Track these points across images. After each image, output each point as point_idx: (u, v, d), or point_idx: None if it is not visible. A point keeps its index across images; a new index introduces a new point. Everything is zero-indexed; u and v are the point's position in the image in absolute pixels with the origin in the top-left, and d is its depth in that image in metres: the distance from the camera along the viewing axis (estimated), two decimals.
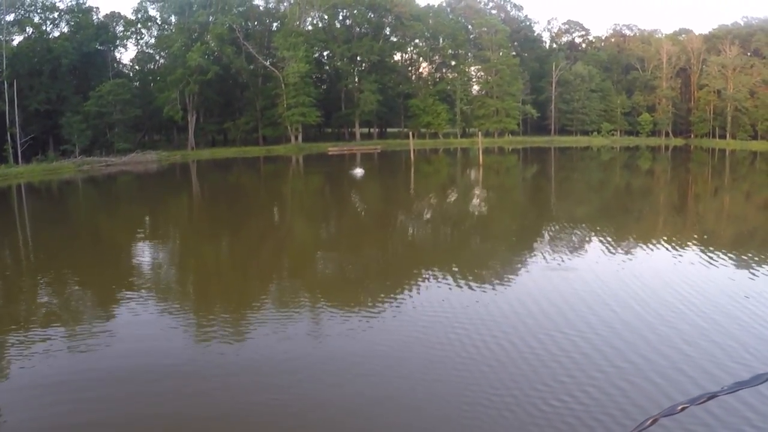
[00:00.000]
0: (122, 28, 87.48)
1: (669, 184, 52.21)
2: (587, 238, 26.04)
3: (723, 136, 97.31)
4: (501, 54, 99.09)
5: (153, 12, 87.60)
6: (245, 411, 10.40)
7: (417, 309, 15.54)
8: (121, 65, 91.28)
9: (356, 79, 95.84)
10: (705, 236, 26.21)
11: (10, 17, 74.25)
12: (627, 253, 22.42)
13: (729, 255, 21.26)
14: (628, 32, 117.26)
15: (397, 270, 21.10)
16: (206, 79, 79.64)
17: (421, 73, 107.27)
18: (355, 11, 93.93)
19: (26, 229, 32.91)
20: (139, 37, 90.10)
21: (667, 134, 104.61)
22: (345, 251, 25.14)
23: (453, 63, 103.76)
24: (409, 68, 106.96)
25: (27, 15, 77.16)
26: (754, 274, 18.63)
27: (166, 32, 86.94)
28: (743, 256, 21.29)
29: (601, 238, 25.46)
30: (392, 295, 16.96)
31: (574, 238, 26.34)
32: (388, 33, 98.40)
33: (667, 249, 22.72)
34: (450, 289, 17.30)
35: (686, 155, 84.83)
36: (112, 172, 64.29)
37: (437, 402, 10.61)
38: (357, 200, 42.83)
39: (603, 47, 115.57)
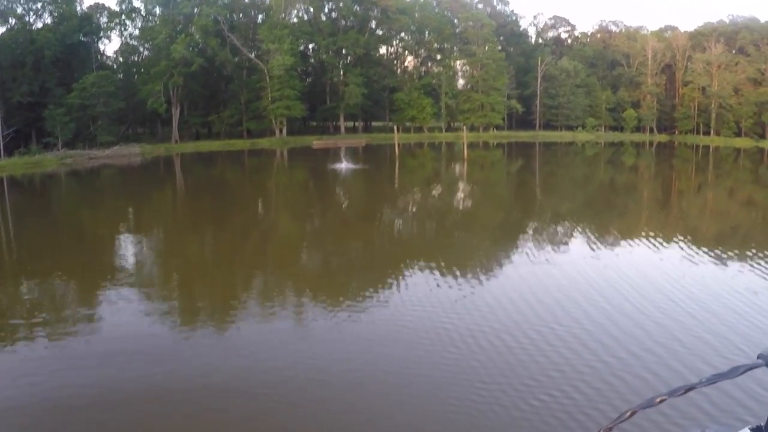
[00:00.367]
0: (106, 20, 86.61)
1: (653, 180, 52.45)
2: (571, 234, 26.16)
3: (707, 133, 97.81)
4: (487, 48, 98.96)
5: (137, 3, 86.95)
6: (227, 402, 10.32)
7: (404, 303, 15.59)
8: (104, 57, 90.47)
9: (341, 73, 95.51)
10: (687, 232, 26.35)
11: None
12: (611, 248, 22.57)
13: (712, 251, 21.41)
14: (614, 28, 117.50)
15: (382, 264, 21.09)
16: (190, 72, 79.08)
17: (407, 66, 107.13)
18: (341, 4, 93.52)
19: (8, 223, 32.61)
20: (123, 29, 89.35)
21: (651, 130, 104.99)
22: (329, 245, 25.10)
23: (439, 57, 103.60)
24: (395, 62, 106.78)
25: (10, 6, 76.20)
26: (738, 270, 18.78)
27: (150, 24, 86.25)
28: (726, 252, 21.42)
29: (585, 234, 25.57)
30: (377, 290, 16.96)
31: (558, 233, 26.46)
32: (373, 26, 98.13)
33: (650, 245, 22.85)
34: (436, 283, 17.34)
35: (670, 151, 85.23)
36: (95, 165, 63.80)
37: (425, 396, 10.59)
38: (341, 194, 42.77)
39: (589, 43, 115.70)
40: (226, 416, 10.01)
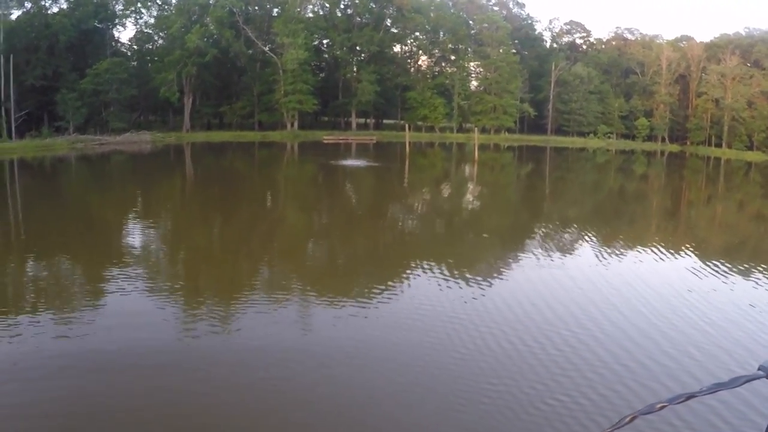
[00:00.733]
0: (122, 7, 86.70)
1: (662, 190, 52.27)
2: (581, 240, 26.06)
3: (719, 145, 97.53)
4: (501, 51, 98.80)
5: None
6: (232, 392, 10.26)
7: (411, 301, 15.47)
8: (119, 44, 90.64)
9: (355, 69, 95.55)
10: (695, 243, 26.23)
11: None
12: (619, 256, 22.46)
13: (719, 263, 21.26)
14: (629, 36, 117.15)
15: (389, 262, 21.01)
16: (204, 62, 79.23)
17: (420, 66, 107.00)
18: (357, 1, 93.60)
19: (17, 205, 32.66)
20: (138, 17, 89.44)
21: (663, 140, 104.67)
22: (335, 240, 25.05)
23: (452, 57, 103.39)
24: (409, 60, 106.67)
25: None
26: (746, 283, 18.68)
27: (165, 13, 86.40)
28: (734, 265, 21.28)
29: (595, 240, 25.47)
30: (384, 287, 16.86)
31: (568, 238, 26.37)
32: (388, 24, 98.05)
33: (659, 255, 22.72)
34: (444, 283, 17.20)
35: (681, 162, 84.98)
36: (106, 151, 63.93)
37: (432, 396, 10.51)
38: (350, 190, 42.72)
39: (603, 50, 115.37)
40: (229, 408, 9.95)
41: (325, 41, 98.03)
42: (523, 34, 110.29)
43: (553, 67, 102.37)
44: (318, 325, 13.81)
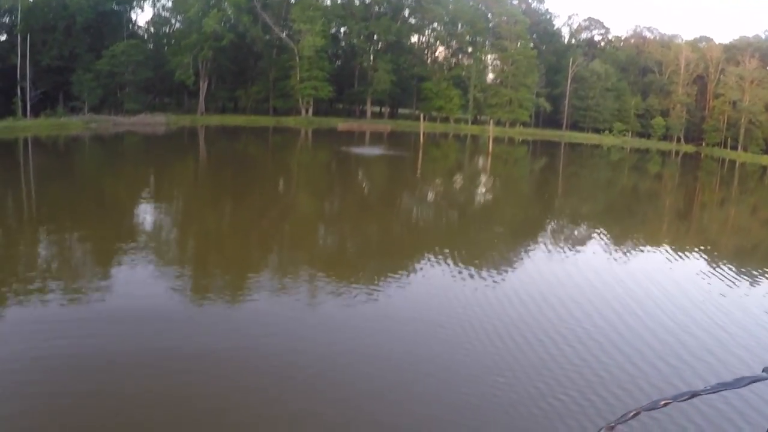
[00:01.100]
0: None
1: (676, 190, 52.05)
2: (593, 236, 25.96)
3: (734, 148, 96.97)
4: (519, 45, 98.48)
5: None
6: (239, 377, 10.24)
7: (421, 291, 15.45)
8: (136, 26, 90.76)
9: (371, 58, 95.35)
10: (707, 246, 26.07)
11: None
12: (632, 255, 22.35)
13: (731, 266, 21.12)
14: (648, 34, 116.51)
15: (399, 251, 20.96)
16: (221, 46, 79.24)
17: (437, 57, 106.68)
18: None
19: (30, 183, 32.78)
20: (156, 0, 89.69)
21: (678, 140, 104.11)
22: (346, 228, 25.05)
23: (470, 50, 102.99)
24: (425, 51, 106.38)
25: None
26: (758, 288, 18.57)
27: None
28: (746, 269, 21.15)
29: (607, 238, 25.37)
30: (393, 276, 16.83)
31: (580, 235, 26.30)
32: (406, 14, 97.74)
33: (669, 255, 22.59)
34: (458, 275, 17.14)
35: (696, 163, 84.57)
36: (120, 131, 64.15)
37: (444, 387, 10.47)
38: (362, 178, 42.72)
39: (622, 47, 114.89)
40: (230, 387, 9.92)
41: (342, 29, 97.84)
42: (542, 29, 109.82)
43: (571, 63, 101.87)
44: (327, 312, 13.77)
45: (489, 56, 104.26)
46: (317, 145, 66.34)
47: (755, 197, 52.36)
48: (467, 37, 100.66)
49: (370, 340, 12.23)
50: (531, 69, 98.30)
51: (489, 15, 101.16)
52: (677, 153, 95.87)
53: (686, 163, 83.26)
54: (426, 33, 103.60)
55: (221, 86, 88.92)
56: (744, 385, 1.83)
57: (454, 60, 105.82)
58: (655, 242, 24.93)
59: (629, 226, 30.32)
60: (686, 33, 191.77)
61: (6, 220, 22.80)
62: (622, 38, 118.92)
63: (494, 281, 16.85)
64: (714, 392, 1.83)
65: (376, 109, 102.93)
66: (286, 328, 12.54)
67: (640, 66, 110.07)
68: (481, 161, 60.31)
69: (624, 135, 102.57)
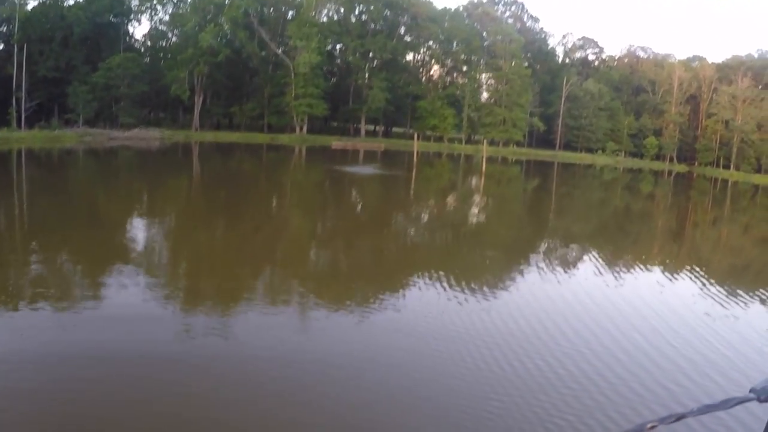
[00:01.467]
0: (137, 2, 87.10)
1: (668, 210, 52.13)
2: (586, 258, 25.96)
3: (727, 167, 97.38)
4: (513, 64, 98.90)
5: None
6: (232, 395, 10.20)
7: (414, 311, 15.37)
8: (133, 39, 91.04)
9: (366, 76, 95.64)
10: (699, 266, 26.11)
11: None
12: (626, 275, 22.31)
13: (722, 286, 21.15)
14: (641, 54, 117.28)
15: (392, 271, 20.88)
16: (216, 61, 79.50)
17: (432, 75, 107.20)
18: (372, 7, 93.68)
19: (22, 195, 32.72)
20: (153, 13, 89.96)
21: (671, 159, 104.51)
22: (339, 248, 24.99)
23: (464, 68, 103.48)
24: (420, 69, 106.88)
25: None
26: (745, 306, 18.60)
27: (180, 10, 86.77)
28: (736, 288, 21.17)
29: (600, 259, 25.39)
30: (386, 296, 16.75)
31: (573, 256, 26.29)
32: (402, 32, 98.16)
33: (661, 276, 22.63)
34: (451, 295, 17.08)
35: (688, 182, 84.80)
36: (114, 145, 64.08)
37: (437, 413, 10.43)
38: (356, 197, 42.70)
39: (615, 66, 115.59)
40: (226, 406, 9.90)
41: (338, 46, 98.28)
42: (536, 48, 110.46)
43: (565, 82, 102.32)
44: (320, 330, 13.70)
45: (483, 75, 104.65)
46: (311, 164, 66.30)
47: (747, 216, 52.48)
48: (462, 56, 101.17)
49: (364, 363, 12.19)
50: (525, 88, 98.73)
51: (484, 34, 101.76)
52: (670, 173, 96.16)
53: (679, 182, 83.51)
54: (421, 51, 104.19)
55: (216, 102, 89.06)
56: (731, 407, 1.82)
57: (448, 78, 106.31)
58: (649, 263, 24.95)
59: (622, 246, 30.36)
60: (679, 52, 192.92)
61: None
62: (616, 57, 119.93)
63: (489, 303, 16.80)
64: (701, 414, 1.82)
65: (371, 127, 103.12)
66: (277, 352, 12.47)
67: (633, 85, 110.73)
68: (474, 181, 60.37)
69: (617, 155, 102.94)
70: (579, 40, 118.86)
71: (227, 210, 31.53)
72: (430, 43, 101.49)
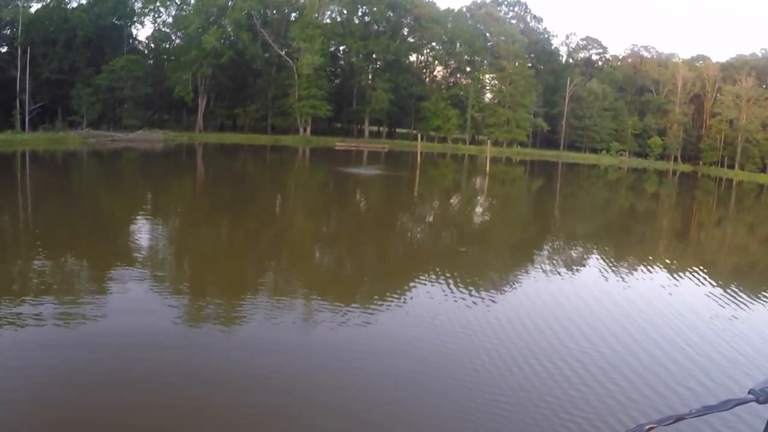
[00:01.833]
0: (141, 5, 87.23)
1: (673, 210, 52.03)
2: (591, 257, 25.90)
3: (731, 166, 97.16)
4: (517, 64, 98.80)
5: None
6: (235, 393, 10.14)
7: (417, 311, 15.30)
8: (136, 42, 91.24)
9: (370, 77, 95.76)
10: (705, 266, 26.00)
11: None
12: (632, 275, 22.23)
13: (731, 287, 21.06)
14: (645, 54, 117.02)
15: (396, 271, 20.84)
16: (220, 63, 79.58)
17: (435, 76, 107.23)
18: (375, 9, 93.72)
19: (26, 198, 32.74)
20: (156, 15, 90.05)
21: (675, 159, 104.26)
22: (343, 248, 24.94)
23: (468, 69, 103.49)
24: (424, 70, 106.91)
25: None
26: (757, 307, 18.51)
27: (184, 12, 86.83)
28: (746, 289, 21.07)
29: (605, 259, 25.31)
30: (390, 296, 16.68)
31: (575, 255, 26.22)
32: (405, 33, 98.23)
33: (667, 276, 22.54)
34: (457, 294, 17.02)
35: (693, 182, 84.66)
36: (118, 147, 64.15)
37: (443, 404, 10.38)
38: (359, 198, 42.67)
39: (619, 66, 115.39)
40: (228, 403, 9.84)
41: (341, 47, 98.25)
42: (540, 48, 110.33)
43: (568, 83, 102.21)
44: (324, 329, 13.63)
45: (487, 76, 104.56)
46: (315, 165, 66.33)
47: (752, 216, 52.36)
48: (465, 57, 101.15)
49: (366, 356, 12.13)
50: (529, 89, 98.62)
51: (487, 34, 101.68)
52: (674, 172, 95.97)
53: (683, 182, 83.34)
54: (424, 52, 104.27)
55: (220, 104, 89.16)
56: (730, 408, 1.81)
57: (452, 79, 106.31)
58: (656, 263, 24.85)
59: (629, 246, 30.25)
60: (683, 52, 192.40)
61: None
62: (620, 57, 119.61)
63: (496, 304, 16.73)
64: (700, 415, 1.81)
65: (375, 128, 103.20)
66: (283, 350, 12.42)
67: (637, 85, 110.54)
68: (478, 181, 60.29)
69: (621, 155, 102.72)
70: (582, 40, 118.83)
71: (232, 211, 31.49)
72: (434, 44, 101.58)
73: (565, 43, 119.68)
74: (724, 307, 18.11)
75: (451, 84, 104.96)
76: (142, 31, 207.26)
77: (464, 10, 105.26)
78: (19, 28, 69.10)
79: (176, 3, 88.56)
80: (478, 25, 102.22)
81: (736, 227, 43.93)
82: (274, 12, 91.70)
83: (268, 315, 14.45)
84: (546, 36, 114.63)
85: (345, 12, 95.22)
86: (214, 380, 10.72)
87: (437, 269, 20.04)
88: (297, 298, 16.41)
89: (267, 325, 13.83)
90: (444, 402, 10.59)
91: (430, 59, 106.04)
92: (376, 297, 16.56)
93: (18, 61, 66.94)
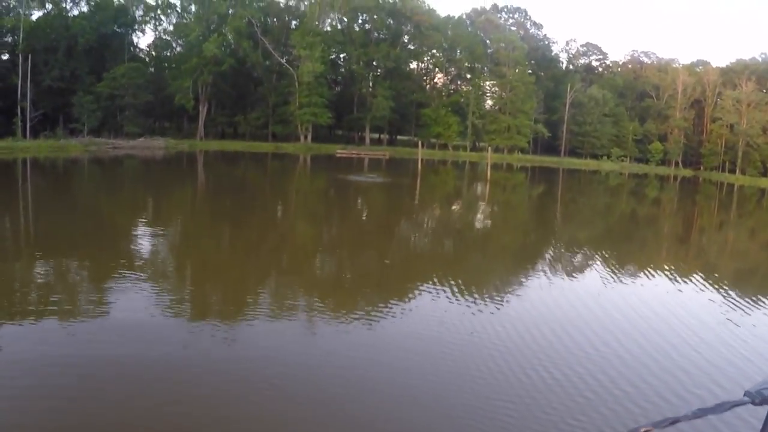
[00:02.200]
0: (142, 13, 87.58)
1: (674, 215, 51.96)
2: (592, 262, 25.82)
3: (732, 171, 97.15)
4: (517, 71, 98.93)
5: None
6: (235, 399, 10.08)
7: (420, 316, 15.24)
8: (137, 49, 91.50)
9: (370, 84, 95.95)
10: (711, 271, 25.95)
11: None
12: (635, 281, 22.16)
13: (738, 292, 20.99)
14: (645, 59, 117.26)
15: (397, 277, 20.75)
16: (221, 71, 79.78)
17: (436, 83, 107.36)
18: (375, 16, 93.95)
19: (28, 204, 32.69)
20: (157, 23, 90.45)
21: (676, 164, 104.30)
22: (344, 255, 24.87)
23: (468, 76, 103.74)
24: (424, 77, 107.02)
25: None
26: (750, 310, 18.42)
27: (184, 20, 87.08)
28: (753, 294, 21.00)
29: (607, 265, 25.24)
30: (391, 302, 16.62)
31: (578, 260, 26.14)
32: (406, 41, 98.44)
33: (668, 281, 22.46)
34: (457, 301, 16.95)
35: (694, 187, 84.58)
36: (119, 154, 64.21)
37: (449, 410, 10.31)
38: (360, 205, 42.60)
39: (619, 72, 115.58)
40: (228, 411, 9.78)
41: (341, 55, 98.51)
42: (540, 55, 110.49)
43: (569, 89, 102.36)
44: (327, 336, 13.57)
45: (487, 83, 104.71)
46: (315, 172, 66.30)
47: (754, 220, 52.29)
48: (466, 64, 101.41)
49: (375, 366, 12.08)
50: (529, 95, 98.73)
51: (487, 41, 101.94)
52: (675, 177, 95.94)
53: (684, 187, 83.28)
54: (425, 59, 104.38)
55: (221, 111, 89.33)
56: (725, 410, 1.80)
57: (452, 86, 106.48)
58: (660, 268, 24.77)
59: (630, 252, 30.16)
60: (683, 57, 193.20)
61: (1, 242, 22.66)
62: (620, 63, 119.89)
63: (501, 310, 16.65)
64: (696, 418, 1.82)
65: (375, 135, 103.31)
66: (284, 354, 12.38)
67: (637, 91, 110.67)
68: (479, 188, 60.23)
69: (622, 160, 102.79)
70: (582, 46, 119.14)
71: (234, 219, 31.44)
72: (434, 51, 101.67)
73: (565, 50, 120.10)
74: (731, 312, 18.03)
75: (452, 91, 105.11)
76: (143, 39, 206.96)
77: (464, 17, 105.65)
78: (21, 35, 69.23)
79: (177, 11, 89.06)
80: (478, 32, 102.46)
81: (740, 232, 43.86)
82: (275, 20, 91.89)
83: (270, 322, 14.39)
84: (546, 42, 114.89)
85: (345, 20, 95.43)
86: (215, 386, 10.66)
87: (441, 276, 19.97)
88: (299, 305, 16.33)
89: (269, 331, 13.76)
90: (451, 409, 10.52)
91: (430, 66, 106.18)
92: (380, 304, 16.47)
93: (19, 69, 67.03)
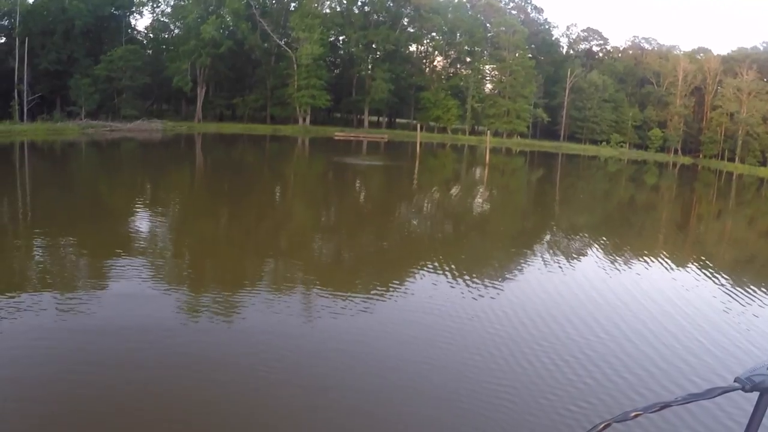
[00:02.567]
0: None
1: (672, 202, 51.88)
2: (590, 248, 25.74)
3: (731, 159, 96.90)
4: (517, 55, 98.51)
5: None
6: (233, 382, 9.98)
7: (419, 300, 15.15)
8: (135, 32, 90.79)
9: (369, 67, 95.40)
10: (703, 257, 25.89)
11: None
12: (630, 267, 22.10)
13: (727, 277, 20.95)
14: (646, 45, 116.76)
15: (395, 261, 20.66)
16: (219, 53, 79.33)
17: (435, 66, 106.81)
18: None
19: (25, 187, 32.56)
20: (155, 5, 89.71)
21: (675, 151, 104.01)
22: (342, 237, 24.79)
23: (468, 59, 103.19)
24: (424, 61, 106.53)
25: None
26: (750, 298, 18.35)
27: (182, 2, 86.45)
28: (741, 279, 20.95)
29: (604, 250, 25.17)
30: (390, 285, 16.57)
31: (576, 246, 26.08)
32: (405, 23, 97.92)
33: (666, 267, 22.41)
34: (455, 284, 16.86)
35: (693, 174, 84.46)
36: (116, 137, 63.96)
37: (444, 394, 10.23)
38: (358, 188, 42.51)
39: (620, 58, 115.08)
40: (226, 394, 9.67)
41: (340, 37, 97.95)
42: (540, 39, 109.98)
43: (569, 74, 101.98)
44: (325, 318, 13.50)
45: (487, 66, 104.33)
46: (314, 155, 66.17)
47: (752, 209, 52.22)
48: (465, 47, 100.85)
49: (374, 351, 11.99)
50: (529, 79, 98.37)
51: (488, 25, 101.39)
52: (674, 164, 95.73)
53: (683, 174, 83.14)
54: (424, 42, 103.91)
55: (219, 93, 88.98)
56: (715, 396, 1.82)
57: (452, 70, 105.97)
58: (658, 255, 24.71)
59: (629, 237, 30.14)
60: (684, 44, 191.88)
61: None
62: (621, 49, 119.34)
63: (501, 294, 16.59)
64: (685, 403, 1.81)
65: (374, 118, 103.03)
66: (282, 337, 12.28)
67: (638, 77, 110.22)
68: (478, 172, 60.11)
69: (621, 146, 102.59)
70: (583, 31, 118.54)
71: (232, 200, 31.37)
72: (434, 34, 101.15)
73: (566, 34, 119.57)
74: (733, 300, 17.98)
75: (451, 74, 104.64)
76: (141, 21, 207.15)
77: (464, 0, 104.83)
78: (17, 18, 68.85)
79: None
80: (479, 16, 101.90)
81: (739, 220, 43.80)
82: (274, 2, 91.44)
83: (269, 303, 14.30)
84: (546, 27, 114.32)
85: (344, 2, 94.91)
86: (214, 368, 10.60)
87: (440, 260, 19.88)
88: (297, 287, 16.25)
89: (267, 313, 13.68)
90: (451, 394, 10.44)
91: (430, 49, 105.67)
92: (379, 287, 16.39)
93: (16, 52, 66.66)
